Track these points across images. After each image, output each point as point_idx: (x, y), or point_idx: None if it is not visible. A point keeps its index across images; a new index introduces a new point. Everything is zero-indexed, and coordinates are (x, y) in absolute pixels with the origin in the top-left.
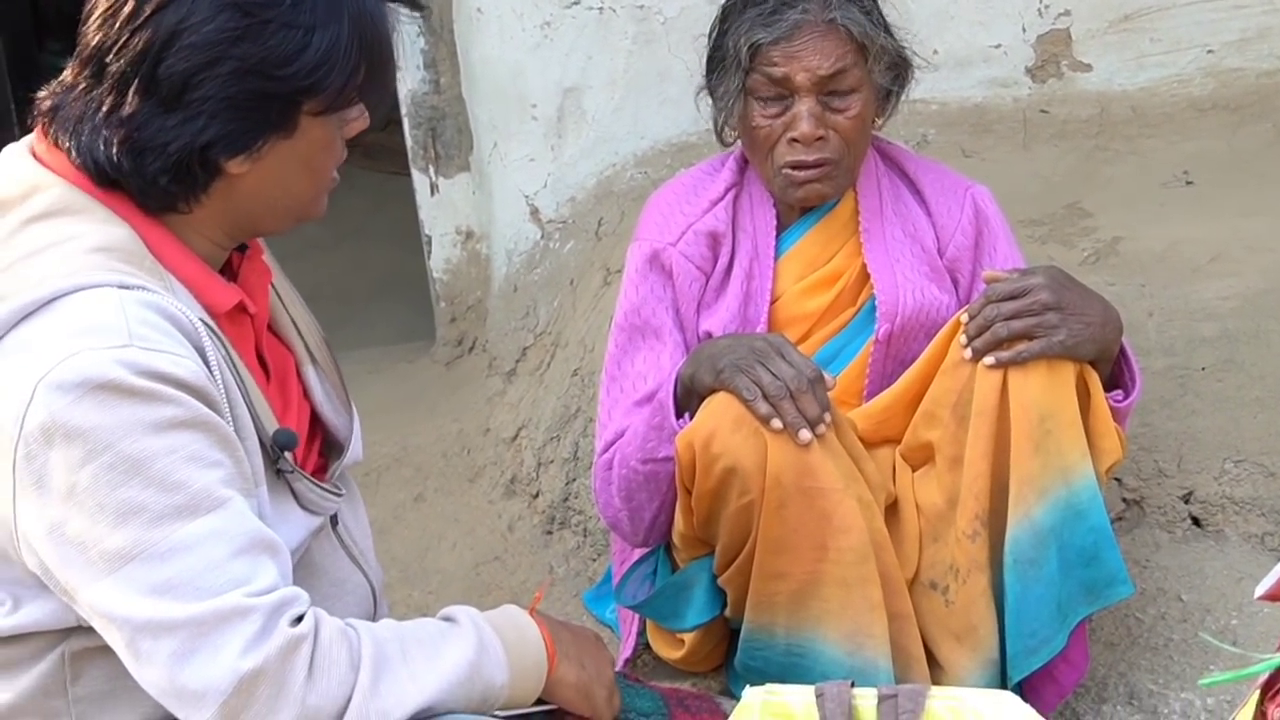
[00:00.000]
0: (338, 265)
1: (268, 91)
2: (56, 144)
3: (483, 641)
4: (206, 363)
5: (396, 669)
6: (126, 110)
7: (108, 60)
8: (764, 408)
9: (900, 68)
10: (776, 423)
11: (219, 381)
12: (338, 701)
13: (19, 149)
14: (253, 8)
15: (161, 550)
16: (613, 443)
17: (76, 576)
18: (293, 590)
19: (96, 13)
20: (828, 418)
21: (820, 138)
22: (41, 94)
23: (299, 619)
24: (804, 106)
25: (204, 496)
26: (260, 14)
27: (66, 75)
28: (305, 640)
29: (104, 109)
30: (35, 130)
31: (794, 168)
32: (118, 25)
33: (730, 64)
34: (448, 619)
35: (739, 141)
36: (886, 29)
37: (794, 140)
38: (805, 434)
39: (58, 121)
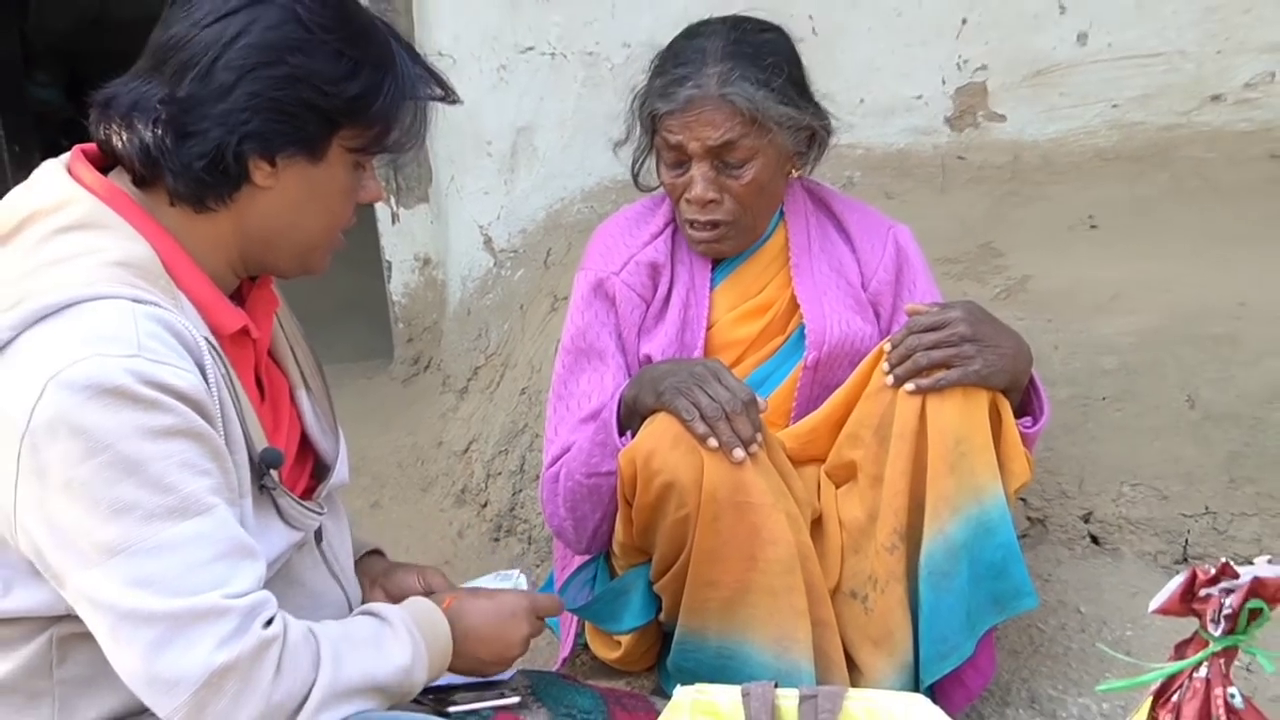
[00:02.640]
0: (303, 287)
1: (311, 103)
2: (106, 137)
3: (415, 646)
4: (205, 379)
5: (349, 669)
6: (180, 93)
7: (170, 54)
8: (701, 428)
9: (809, 131)
10: (713, 442)
11: (216, 397)
12: (298, 698)
13: (55, 165)
14: (315, 27)
15: (149, 546)
16: (559, 457)
17: (68, 562)
18: (265, 594)
19: (168, 18)
20: (760, 438)
21: (713, 200)
22: (98, 90)
23: (269, 621)
24: (698, 171)
25: (193, 501)
26: (320, 34)
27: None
28: (275, 641)
29: (159, 94)
30: (72, 151)
31: (691, 225)
32: (187, 25)
33: (642, 123)
34: (377, 616)
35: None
36: (789, 99)
37: (689, 200)
38: (739, 453)
39: (112, 109)
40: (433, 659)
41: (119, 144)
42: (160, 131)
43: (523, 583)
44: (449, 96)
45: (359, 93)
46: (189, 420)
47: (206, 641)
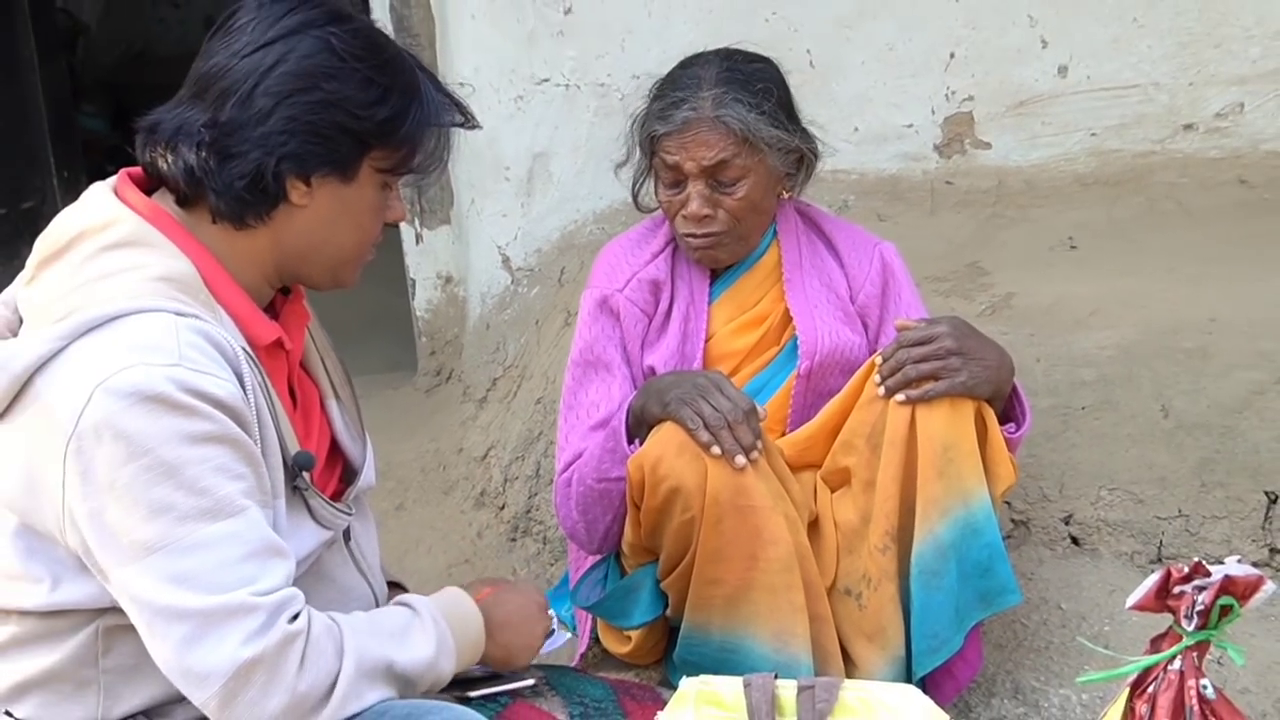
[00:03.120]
0: (333, 303)
1: (345, 126)
2: (151, 160)
3: (441, 637)
4: (243, 386)
5: (373, 660)
6: (222, 118)
7: (212, 83)
8: (705, 436)
9: (798, 154)
10: (716, 449)
11: (252, 404)
12: (323, 687)
13: (103, 187)
14: (347, 56)
15: (185, 545)
16: (571, 463)
17: (109, 559)
18: (292, 591)
19: (208, 49)
20: (760, 445)
21: (707, 216)
22: (144, 117)
23: (295, 617)
24: (694, 189)
25: (226, 503)
26: (352, 62)
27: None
28: (300, 635)
29: (202, 119)
30: (118, 174)
31: (688, 237)
32: (228, 55)
33: (641, 147)
34: (408, 607)
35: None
36: (779, 123)
37: (685, 217)
38: (740, 459)
39: (157, 134)
40: (463, 649)
41: (164, 166)
42: (204, 154)
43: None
44: (469, 122)
45: (388, 116)
46: (225, 427)
47: (234, 637)
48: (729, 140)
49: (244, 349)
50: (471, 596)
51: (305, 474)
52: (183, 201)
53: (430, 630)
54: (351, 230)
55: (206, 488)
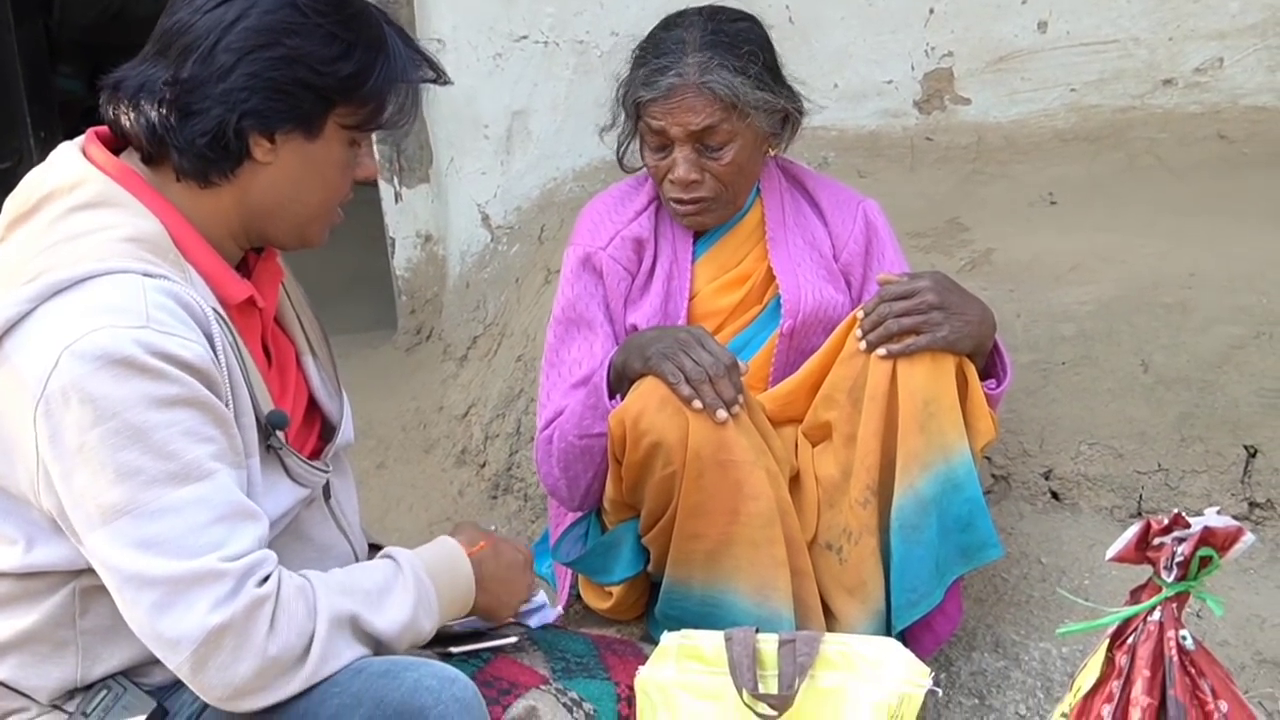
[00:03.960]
0: (313, 263)
1: (306, 81)
2: (115, 118)
3: (422, 595)
4: (214, 347)
5: (348, 620)
6: (184, 74)
7: (174, 39)
8: (686, 390)
9: (784, 113)
10: (697, 403)
11: (223, 365)
12: (296, 650)
13: (70, 147)
14: (309, 11)
15: (152, 510)
16: (552, 420)
17: (80, 522)
18: (262, 554)
19: (172, 5)
20: (741, 399)
21: (695, 180)
22: (108, 75)
23: (264, 580)
24: (680, 154)
25: (194, 467)
26: (315, 18)
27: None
28: (268, 599)
29: (164, 76)
30: (85, 134)
31: (675, 202)
32: (189, 11)
33: (626, 110)
34: (393, 562)
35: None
36: (765, 84)
37: (672, 181)
38: (722, 413)
39: (120, 91)
40: (448, 604)
41: (127, 124)
42: (165, 111)
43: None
44: (440, 78)
45: (352, 72)
46: (193, 390)
47: (203, 604)
48: (715, 106)
49: (214, 309)
50: (463, 546)
51: (279, 433)
52: (148, 160)
53: (410, 588)
54: (318, 188)
55: (174, 451)
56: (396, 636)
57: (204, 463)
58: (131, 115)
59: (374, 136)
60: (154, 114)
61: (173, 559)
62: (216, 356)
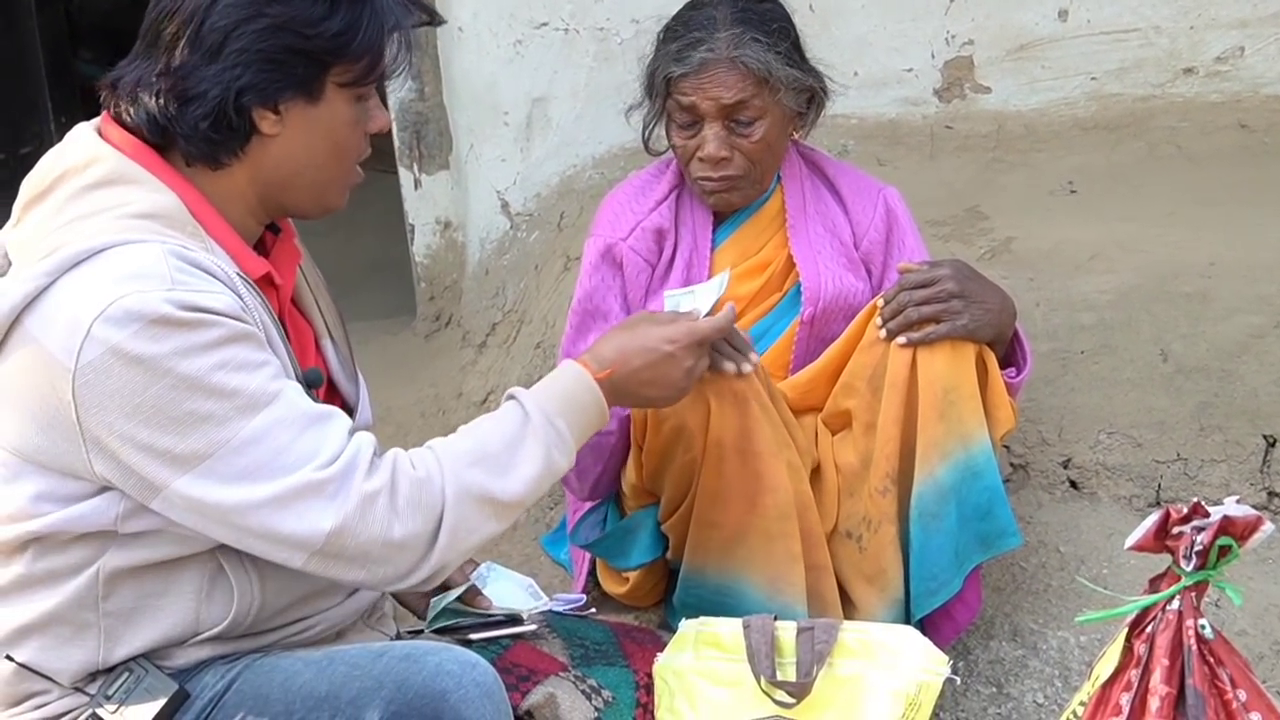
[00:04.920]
0: (332, 250)
1: (296, 48)
2: (117, 115)
3: (550, 439)
4: (243, 302)
5: (478, 493)
6: (175, 62)
7: (162, 28)
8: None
9: (810, 93)
10: (729, 365)
11: (256, 320)
12: (424, 534)
13: (86, 127)
14: None
15: (235, 445)
16: None
17: (157, 474)
18: (356, 446)
19: None
20: (754, 356)
21: (725, 158)
22: (106, 76)
23: (371, 471)
24: (710, 131)
25: (260, 394)
26: None
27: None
28: (380, 493)
29: (157, 67)
30: (102, 114)
31: (704, 179)
32: None
33: (654, 89)
34: (518, 405)
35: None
36: (794, 62)
37: (702, 159)
38: (746, 366)
39: (119, 90)
40: (580, 435)
41: (129, 120)
42: (163, 101)
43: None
44: (433, 20)
45: (339, 30)
46: (232, 327)
47: (313, 511)
48: (748, 80)
49: (239, 274)
50: (590, 370)
51: (314, 391)
52: (157, 149)
53: (540, 437)
54: (330, 150)
55: (235, 388)
56: (531, 493)
57: (266, 386)
58: (132, 111)
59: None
60: (153, 105)
61: (271, 480)
62: (246, 310)
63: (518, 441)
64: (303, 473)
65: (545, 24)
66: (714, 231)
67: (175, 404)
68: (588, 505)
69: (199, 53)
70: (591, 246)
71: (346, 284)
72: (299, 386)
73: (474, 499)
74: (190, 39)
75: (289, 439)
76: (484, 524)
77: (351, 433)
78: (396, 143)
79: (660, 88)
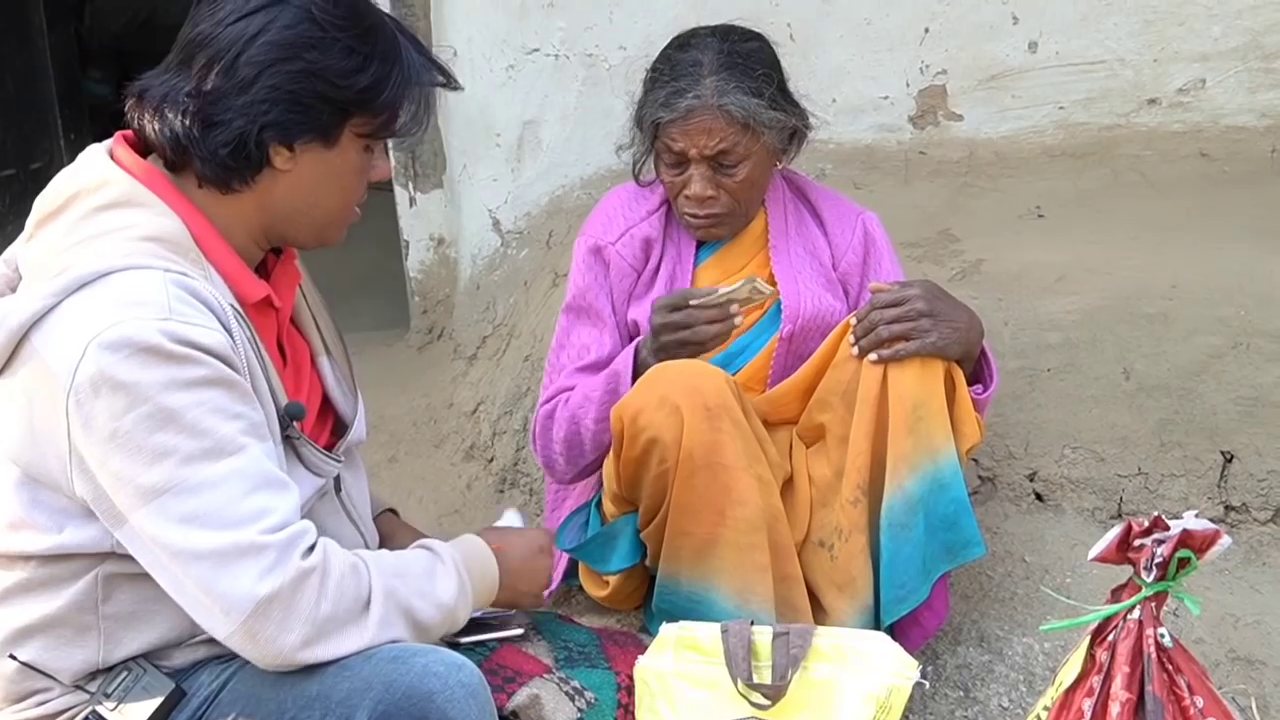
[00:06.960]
0: (330, 263)
1: (325, 95)
2: (140, 126)
3: (461, 585)
4: (231, 340)
5: (399, 601)
6: (206, 86)
7: (197, 51)
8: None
9: (793, 130)
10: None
11: (242, 356)
12: (351, 613)
13: (98, 150)
14: (328, 25)
15: (190, 485)
16: (554, 397)
17: (122, 504)
18: (303, 524)
19: (195, 16)
20: (734, 309)
21: (710, 197)
22: (133, 82)
23: (310, 550)
24: (696, 172)
25: (227, 442)
26: (333, 32)
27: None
28: (315, 571)
29: (187, 87)
30: (113, 135)
31: (690, 216)
32: (212, 24)
33: (644, 130)
34: (431, 552)
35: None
36: (778, 104)
37: (688, 197)
38: (738, 319)
39: (145, 100)
40: (478, 596)
41: (151, 132)
42: (189, 122)
43: (518, 520)
44: (450, 83)
45: (368, 84)
46: (218, 370)
47: (249, 575)
48: (732, 128)
49: (232, 305)
50: (486, 543)
51: (295, 424)
52: (171, 166)
53: (453, 576)
54: (335, 192)
55: (206, 429)
56: (440, 622)
57: (235, 438)
58: (156, 125)
59: (389, 141)
60: (178, 124)
61: (216, 530)
62: (235, 348)
63: (433, 573)
64: (247, 531)
65: (536, 50)
66: (699, 248)
67: (148, 433)
68: (567, 510)
69: (232, 82)
70: (581, 244)
71: (343, 297)
72: (269, 448)
73: (397, 600)
74: (225, 68)
75: (241, 492)
76: (401, 625)
77: (343, 450)
78: (393, 162)
79: (649, 130)
